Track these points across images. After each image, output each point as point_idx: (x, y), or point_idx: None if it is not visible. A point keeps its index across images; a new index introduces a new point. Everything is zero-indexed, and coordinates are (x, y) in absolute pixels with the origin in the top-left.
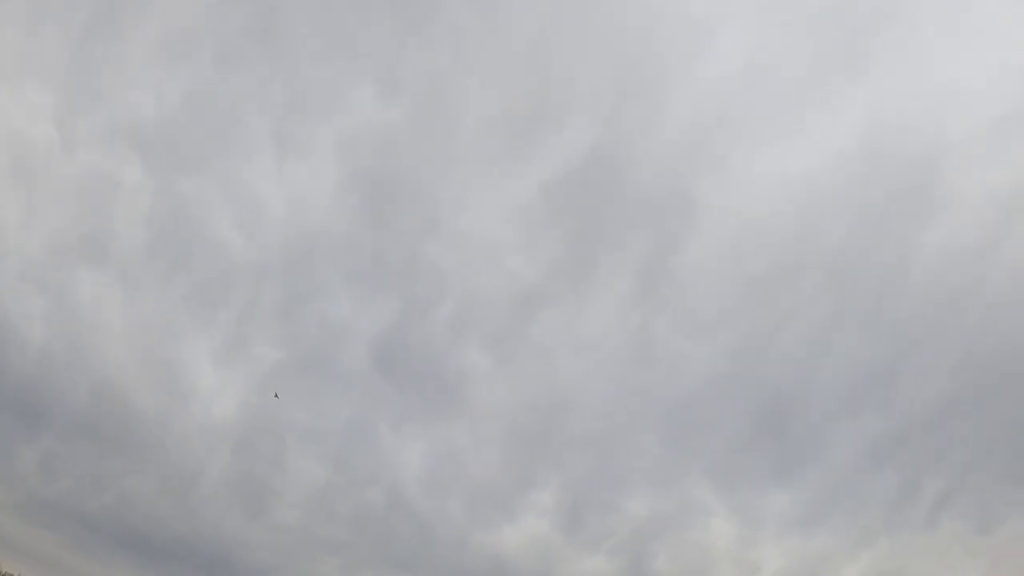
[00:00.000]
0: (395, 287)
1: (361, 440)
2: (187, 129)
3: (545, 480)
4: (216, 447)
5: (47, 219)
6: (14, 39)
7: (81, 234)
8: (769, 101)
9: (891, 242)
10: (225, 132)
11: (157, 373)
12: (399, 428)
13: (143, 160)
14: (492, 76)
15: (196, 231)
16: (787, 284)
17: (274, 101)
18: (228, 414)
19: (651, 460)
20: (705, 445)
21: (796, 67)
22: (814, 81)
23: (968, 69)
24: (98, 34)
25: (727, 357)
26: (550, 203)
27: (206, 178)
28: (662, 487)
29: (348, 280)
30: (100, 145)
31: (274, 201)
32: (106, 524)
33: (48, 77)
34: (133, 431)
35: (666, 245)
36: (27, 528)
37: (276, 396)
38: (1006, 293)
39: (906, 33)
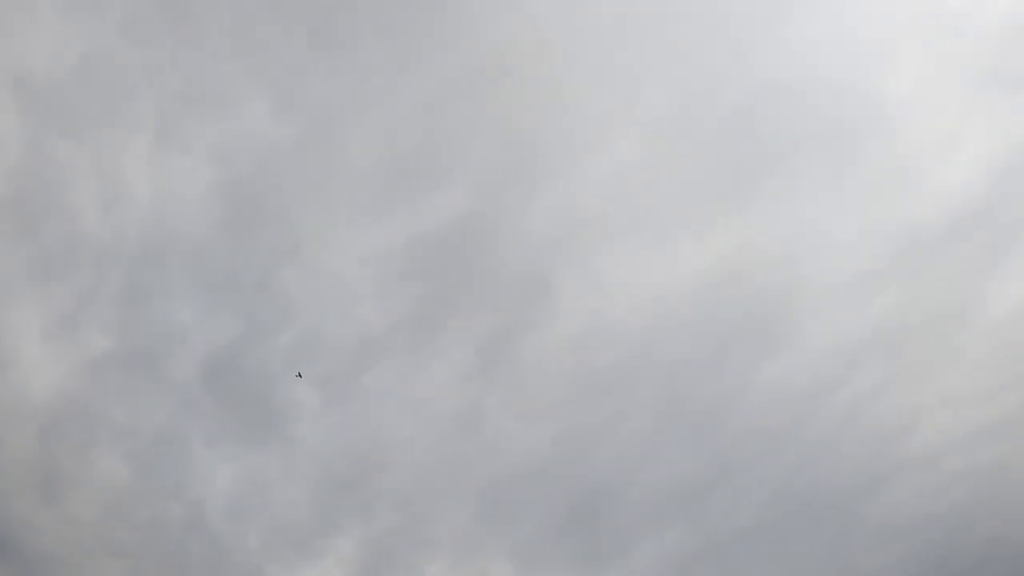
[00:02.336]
0: (242, 305)
1: (172, 450)
2: (74, 91)
3: (350, 528)
4: (22, 424)
5: None
6: None
7: None
8: (643, 211)
9: (731, 368)
10: (112, 104)
11: None
12: (213, 446)
13: (21, 112)
14: (389, 119)
15: (55, 197)
16: (624, 388)
17: (169, 86)
18: (43, 393)
19: (459, 530)
20: (515, 526)
21: (678, 185)
22: (691, 202)
23: (842, 222)
24: None
25: (553, 445)
26: (413, 258)
27: (80, 146)
28: (464, 558)
29: (196, 287)
30: None
31: (141, 187)
32: None
33: None
34: None
35: (515, 325)
36: None
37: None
38: (826, 439)
39: (792, 178)
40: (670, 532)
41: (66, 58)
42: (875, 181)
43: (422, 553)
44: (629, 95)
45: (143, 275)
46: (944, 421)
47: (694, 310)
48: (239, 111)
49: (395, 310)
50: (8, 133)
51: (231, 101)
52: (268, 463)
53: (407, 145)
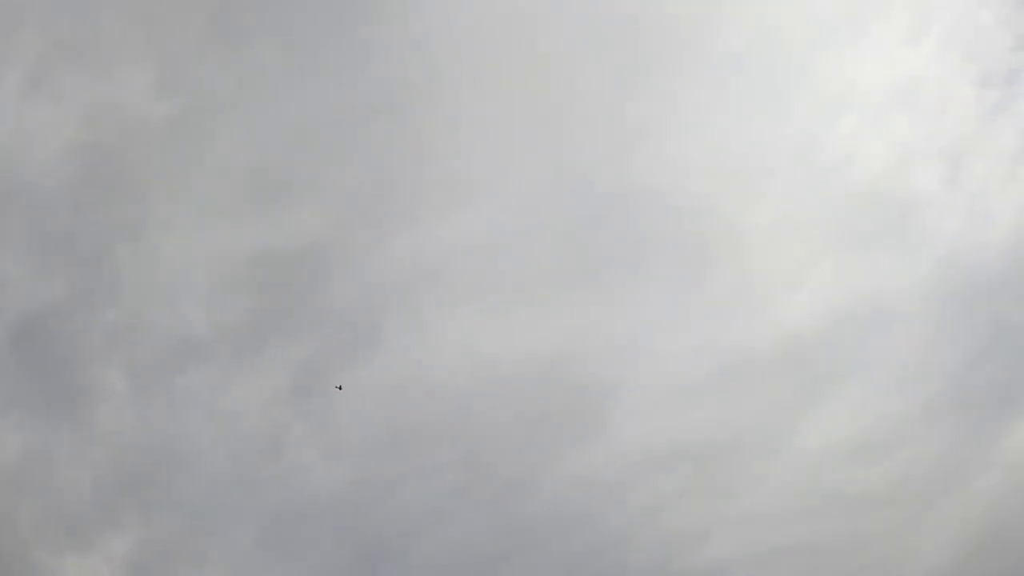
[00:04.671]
0: (71, 274)
1: None
2: None
3: (128, 527)
4: None
5: None
6: None
7: None
8: (489, 278)
9: (540, 448)
10: None
11: None
12: (4, 411)
13: None
14: (268, 126)
15: None
16: (432, 445)
17: (57, 32)
18: None
19: (239, 553)
20: (295, 562)
21: (529, 261)
22: (537, 281)
23: (677, 334)
24: None
25: (349, 487)
26: (253, 270)
27: None
28: None
29: (29, 242)
30: None
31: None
32: None
33: None
34: None
35: (336, 361)
36: None
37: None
38: (621, 535)
39: (640, 281)
40: None
41: None
42: (717, 302)
43: (196, 568)
44: (505, 163)
45: None
46: (736, 539)
47: (516, 385)
48: (121, 77)
49: (223, 317)
50: None
51: (115, 65)
52: (59, 441)
53: (279, 156)
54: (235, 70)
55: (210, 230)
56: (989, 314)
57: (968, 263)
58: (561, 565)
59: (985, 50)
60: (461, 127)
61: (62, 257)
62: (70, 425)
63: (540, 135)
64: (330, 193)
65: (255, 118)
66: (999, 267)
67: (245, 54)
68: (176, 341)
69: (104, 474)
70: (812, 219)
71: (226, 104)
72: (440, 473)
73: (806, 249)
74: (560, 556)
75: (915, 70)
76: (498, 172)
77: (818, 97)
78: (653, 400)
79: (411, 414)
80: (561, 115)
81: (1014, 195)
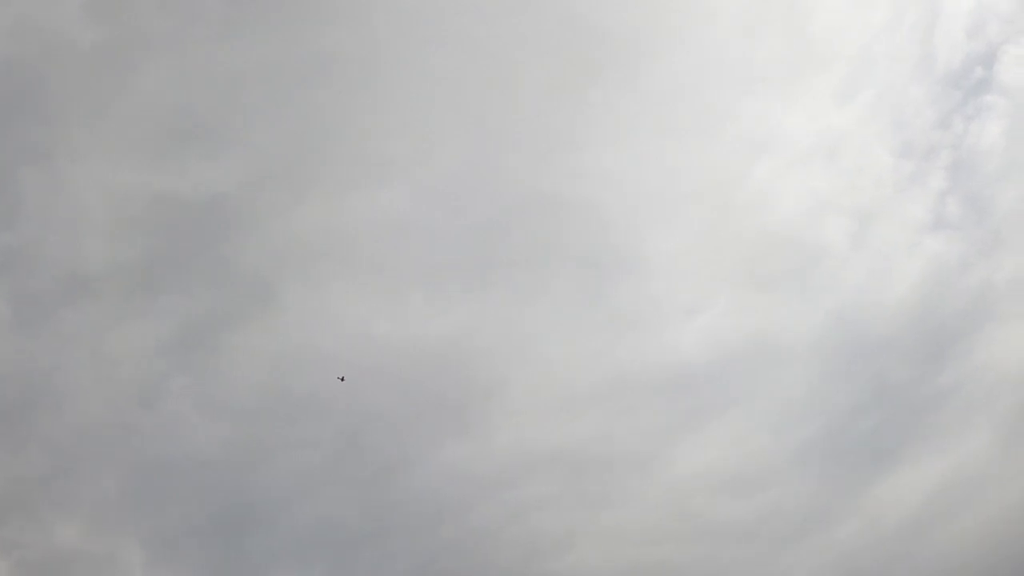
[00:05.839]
0: None
1: None
2: None
3: None
4: None
5: None
6: None
7: None
8: (390, 259)
9: (418, 435)
10: None
11: None
12: None
13: None
14: (197, 68)
15: None
16: (312, 418)
17: None
18: None
19: (101, 498)
20: (158, 515)
21: (431, 249)
22: (437, 271)
23: (567, 344)
24: None
25: (222, 448)
26: (157, 212)
27: None
28: (98, 529)
29: None
30: None
31: None
32: None
33: None
34: None
35: (228, 319)
36: None
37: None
38: (487, 531)
39: (536, 287)
40: (306, 569)
41: None
42: (614, 318)
43: (57, 510)
44: (426, 150)
45: None
46: (599, 550)
47: (404, 370)
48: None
49: (120, 257)
50: None
51: None
52: None
53: (202, 104)
54: (173, 10)
55: (121, 166)
56: (872, 371)
57: (860, 319)
58: (426, 554)
59: (910, 122)
60: (388, 107)
61: None
62: None
63: (465, 129)
64: (248, 149)
65: (185, 61)
66: (888, 328)
67: None
68: (68, 274)
69: None
70: (718, 253)
71: (158, 42)
72: (317, 447)
73: (708, 280)
74: (426, 545)
75: (840, 129)
76: (417, 158)
77: (743, 138)
78: (537, 404)
79: (295, 384)
80: (488, 113)
81: (914, 263)
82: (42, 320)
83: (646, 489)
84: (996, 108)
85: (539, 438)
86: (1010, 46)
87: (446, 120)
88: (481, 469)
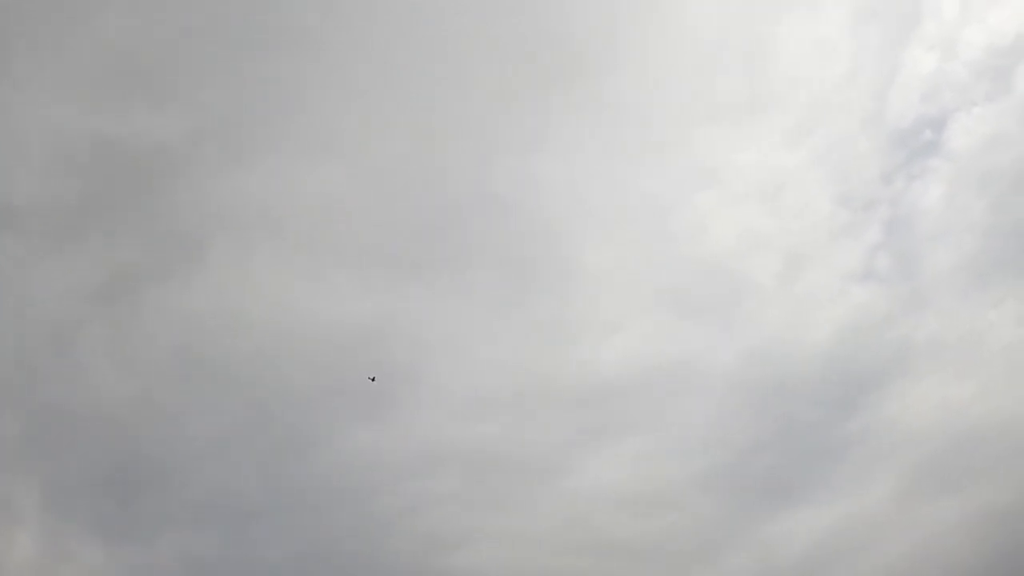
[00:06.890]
0: None
1: None
2: None
3: None
4: None
5: None
6: None
7: None
8: (326, 237)
9: (327, 414)
10: None
11: None
12: None
13: None
14: (139, 10)
15: None
16: (222, 383)
17: None
18: None
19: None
20: (58, 462)
21: (363, 229)
22: (369, 254)
23: (484, 343)
24: None
25: (129, 401)
26: (95, 156)
27: None
28: None
29: None
30: None
31: None
32: None
33: None
34: None
35: (152, 275)
36: None
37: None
38: (384, 520)
39: (460, 281)
40: (200, 534)
41: None
42: (536, 325)
43: None
44: (372, 133)
45: None
46: (493, 552)
47: (322, 348)
48: None
49: (52, 193)
50: None
51: None
52: None
53: (152, 49)
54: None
55: (63, 102)
56: (783, 410)
57: (778, 358)
58: (321, 535)
59: (854, 173)
60: (340, 87)
61: None
62: None
63: (413, 119)
64: (195, 106)
65: (143, 8)
66: (804, 369)
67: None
68: None
69: None
70: (648, 274)
71: None
72: (224, 414)
73: (635, 300)
74: (323, 525)
75: (785, 170)
76: (362, 141)
77: (691, 165)
78: (450, 400)
79: (211, 348)
80: (439, 106)
81: (838, 310)
82: None
83: (549, 498)
84: (939, 171)
85: (449, 434)
86: (961, 114)
87: (395, 108)
88: (387, 457)
